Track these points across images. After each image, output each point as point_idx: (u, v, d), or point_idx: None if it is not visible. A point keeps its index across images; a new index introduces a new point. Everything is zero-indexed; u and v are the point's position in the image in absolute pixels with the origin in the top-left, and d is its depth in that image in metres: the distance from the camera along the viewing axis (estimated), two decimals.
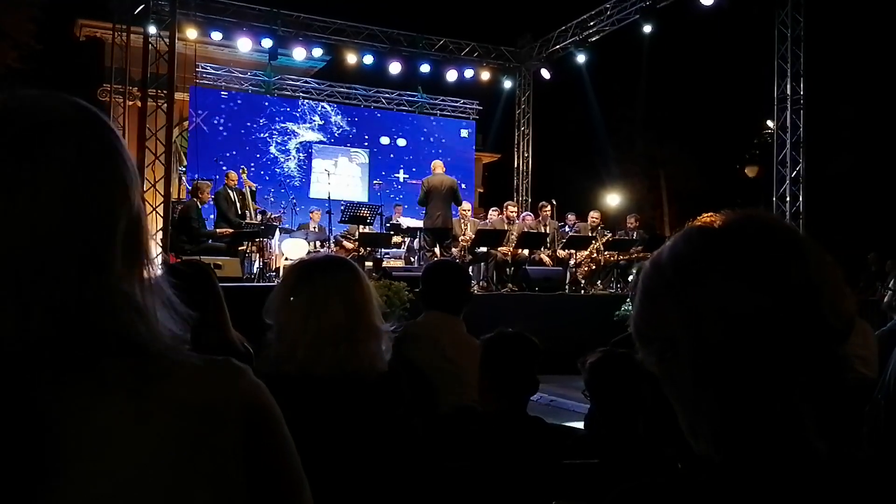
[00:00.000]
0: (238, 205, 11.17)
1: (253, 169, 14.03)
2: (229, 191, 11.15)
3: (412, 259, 12.25)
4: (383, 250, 12.36)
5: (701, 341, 0.82)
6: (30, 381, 0.77)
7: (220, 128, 16.84)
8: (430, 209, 11.15)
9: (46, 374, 0.78)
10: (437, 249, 11.22)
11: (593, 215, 12.84)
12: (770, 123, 14.67)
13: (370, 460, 1.82)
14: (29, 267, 0.78)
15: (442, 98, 19.26)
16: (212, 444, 0.83)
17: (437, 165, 11.58)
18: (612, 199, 26.89)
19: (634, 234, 12.63)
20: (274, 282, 10.30)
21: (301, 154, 17.71)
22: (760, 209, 0.90)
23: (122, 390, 0.80)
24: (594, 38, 15.82)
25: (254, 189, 11.98)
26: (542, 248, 11.90)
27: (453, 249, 11.78)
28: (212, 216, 11.63)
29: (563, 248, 11.90)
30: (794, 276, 0.81)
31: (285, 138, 17.58)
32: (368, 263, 11.39)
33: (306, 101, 18.02)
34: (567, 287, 11.46)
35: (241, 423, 0.85)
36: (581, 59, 15.93)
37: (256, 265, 11.03)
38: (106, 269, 0.83)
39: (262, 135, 17.29)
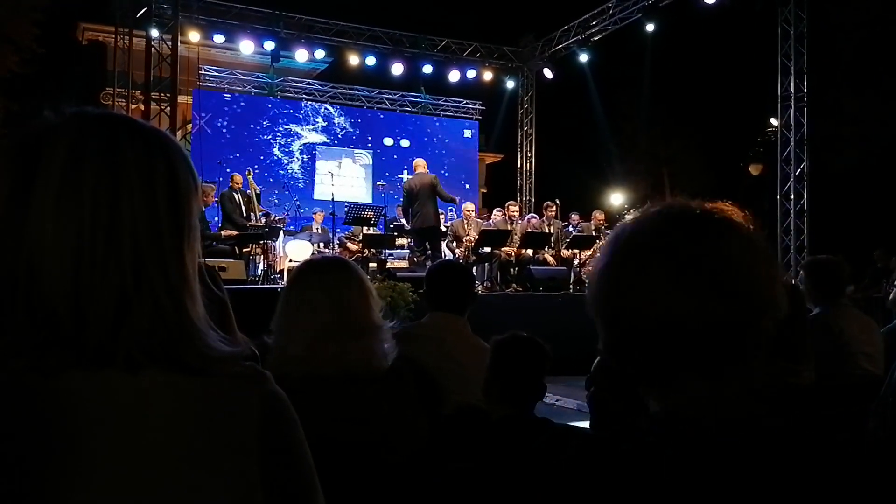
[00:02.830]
0: (243, 207, 11.15)
1: (257, 171, 14.08)
2: (234, 193, 11.14)
3: (416, 260, 12.24)
4: (387, 251, 12.36)
5: (631, 337, 0.89)
6: (69, 376, 0.81)
7: (224, 130, 16.88)
8: (412, 210, 11.09)
9: (88, 370, 0.82)
10: (429, 252, 11.12)
11: (597, 215, 12.81)
12: (774, 121, 14.63)
13: (369, 459, 1.82)
14: (91, 262, 0.82)
15: (445, 98, 19.27)
16: (232, 445, 0.86)
17: (419, 164, 11.43)
18: (616, 199, 26.86)
19: None
20: (278, 284, 10.30)
21: (304, 156, 17.75)
22: (676, 200, 0.96)
23: (156, 394, 0.84)
24: (597, 38, 15.83)
25: (258, 192, 11.97)
26: (546, 248, 11.89)
27: (457, 250, 11.77)
28: (216, 218, 11.63)
29: (567, 248, 11.88)
30: (708, 262, 0.86)
31: (288, 140, 17.62)
32: (372, 265, 11.38)
33: (309, 102, 18.06)
34: (571, 287, 11.44)
35: (258, 425, 0.88)
36: (584, 58, 15.94)
37: (261, 267, 11.04)
38: (164, 276, 0.86)
39: (265, 137, 17.33)
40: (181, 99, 14.01)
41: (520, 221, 12.21)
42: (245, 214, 11.12)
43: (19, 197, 0.82)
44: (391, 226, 12.96)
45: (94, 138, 0.85)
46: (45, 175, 0.82)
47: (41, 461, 0.78)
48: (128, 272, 0.83)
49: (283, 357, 1.87)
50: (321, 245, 12.15)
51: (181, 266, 0.88)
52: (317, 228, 12.79)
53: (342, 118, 18.31)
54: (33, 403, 0.80)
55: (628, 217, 0.95)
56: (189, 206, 0.90)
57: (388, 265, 11.46)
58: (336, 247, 12.08)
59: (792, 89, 13.35)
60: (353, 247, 12.14)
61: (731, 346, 0.86)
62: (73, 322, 0.81)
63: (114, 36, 14.67)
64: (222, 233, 10.78)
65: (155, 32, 12.79)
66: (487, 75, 17.72)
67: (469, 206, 12.37)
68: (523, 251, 11.57)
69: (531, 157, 18.59)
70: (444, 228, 12.00)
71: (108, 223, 0.83)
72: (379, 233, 12.15)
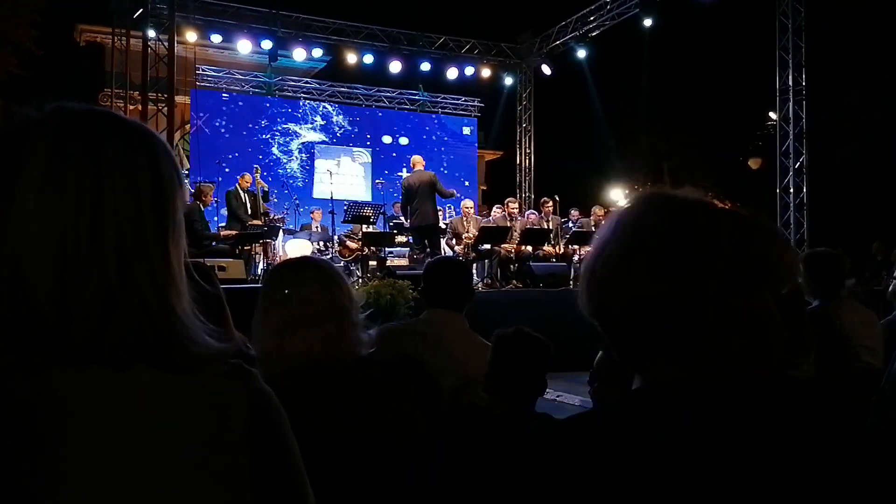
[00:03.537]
0: (248, 205, 11.18)
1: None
2: (240, 191, 11.18)
3: (416, 257, 12.23)
4: (387, 249, 12.35)
5: (609, 322, 0.91)
6: (54, 374, 0.80)
7: (222, 130, 16.87)
8: (410, 208, 11.08)
9: (73, 368, 0.81)
10: (428, 249, 11.11)
11: (597, 210, 12.81)
12: (773, 115, 14.63)
13: (362, 453, 1.81)
14: (75, 260, 0.81)
15: (443, 96, 19.26)
16: (219, 444, 0.85)
17: (416, 161, 11.40)
18: (616, 194, 26.83)
19: None
20: None
21: (303, 154, 17.74)
22: (657, 191, 0.96)
23: (143, 392, 0.83)
24: (594, 33, 15.83)
25: (266, 189, 11.94)
26: (546, 244, 11.89)
27: (457, 247, 11.76)
28: (215, 218, 11.63)
29: (566, 244, 11.88)
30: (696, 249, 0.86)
31: (287, 139, 17.61)
32: (372, 262, 11.38)
33: (307, 101, 18.05)
34: (571, 283, 11.43)
35: (246, 424, 0.87)
36: (582, 54, 15.95)
37: (261, 266, 11.03)
38: (149, 273, 0.85)
39: (263, 136, 17.32)
40: (179, 99, 14.02)
41: (519, 218, 12.21)
42: (250, 213, 11.14)
43: (2, 194, 0.81)
44: (390, 223, 12.96)
45: (76, 134, 0.84)
46: (27, 171, 0.81)
47: (25, 460, 0.77)
48: (112, 269, 0.82)
49: (259, 356, 1.88)
50: (321, 243, 12.15)
51: (166, 262, 0.87)
52: (316, 227, 12.79)
53: (340, 117, 18.30)
54: (17, 402, 0.79)
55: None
56: (173, 201, 0.89)
57: (388, 263, 11.46)
58: (336, 245, 12.07)
59: (790, 82, 13.35)
60: (352, 245, 12.14)
61: (685, 325, 0.85)
62: (58, 319, 0.80)
63: (111, 37, 14.66)
64: (221, 232, 10.78)
65: (152, 33, 12.78)
66: (486, 72, 17.71)
67: (468, 203, 12.36)
68: (523, 248, 11.57)
69: (530, 153, 18.59)
70: (443, 226, 11.98)
71: (92, 219, 0.82)
72: (378, 231, 12.14)
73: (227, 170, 13.34)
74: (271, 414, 0.91)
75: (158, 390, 0.83)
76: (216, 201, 11.51)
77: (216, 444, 0.85)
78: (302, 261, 2.13)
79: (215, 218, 11.65)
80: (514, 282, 11.17)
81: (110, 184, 0.83)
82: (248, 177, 11.39)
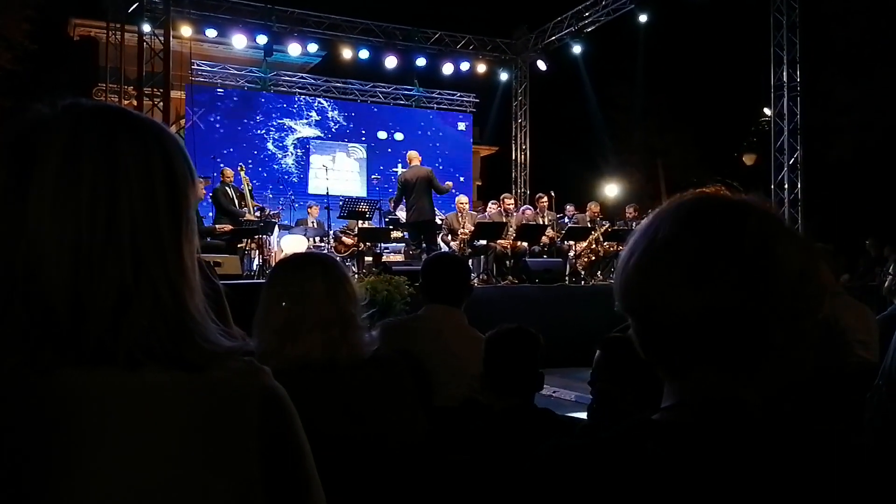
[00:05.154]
0: (237, 201, 11.15)
1: (251, 165, 14.00)
2: (226, 188, 11.14)
3: (411, 253, 12.22)
4: (383, 245, 12.34)
5: (655, 328, 0.87)
6: (66, 373, 0.80)
7: (217, 125, 16.83)
8: (407, 204, 11.08)
9: (85, 367, 0.80)
10: (424, 245, 11.10)
11: (592, 206, 12.84)
12: (767, 111, 14.64)
13: (366, 452, 1.82)
14: (89, 257, 0.81)
15: (438, 91, 19.24)
16: (232, 442, 0.85)
17: (413, 157, 11.42)
18: (611, 190, 26.86)
19: (633, 225, 12.61)
20: None
21: (299, 150, 17.71)
22: (709, 189, 0.93)
23: (155, 392, 0.82)
24: (590, 29, 15.82)
25: (251, 187, 11.94)
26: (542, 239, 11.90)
27: (452, 243, 11.76)
28: (210, 214, 11.61)
29: (562, 240, 11.90)
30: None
31: (282, 134, 17.57)
32: (368, 258, 11.37)
33: (303, 96, 18.01)
34: (567, 278, 11.46)
35: (258, 422, 0.87)
36: (577, 49, 15.93)
37: (256, 262, 11.02)
38: (163, 270, 0.85)
39: (259, 131, 17.28)
40: (174, 94, 13.96)
41: (515, 214, 12.21)
42: (238, 209, 11.11)
43: (16, 192, 0.80)
44: (386, 219, 12.95)
45: (90, 131, 0.83)
46: (41, 169, 0.81)
47: (37, 461, 0.77)
48: (127, 266, 0.82)
49: (259, 354, 1.88)
50: (316, 239, 12.13)
51: (180, 259, 0.87)
52: (312, 223, 12.77)
53: (336, 112, 18.26)
54: (29, 401, 0.78)
55: (661, 206, 0.92)
56: (186, 198, 0.89)
57: (384, 259, 11.45)
58: (331, 241, 12.06)
59: (785, 79, 13.36)
60: (348, 241, 12.12)
61: (753, 340, 0.83)
62: (71, 318, 0.80)
63: (105, 31, 14.59)
64: (217, 227, 10.75)
65: (147, 27, 12.73)
66: (481, 68, 17.69)
67: (462, 199, 12.34)
68: (518, 243, 11.57)
69: (525, 149, 18.57)
70: (438, 221, 11.98)
71: (107, 217, 0.81)
72: (374, 226, 12.12)
73: (221, 165, 13.29)
74: (283, 412, 0.90)
75: (170, 389, 0.83)
76: (210, 197, 11.49)
77: (228, 442, 0.85)
78: (308, 258, 2.10)
79: (210, 214, 11.63)
80: (510, 278, 11.18)
81: (125, 181, 0.83)
82: (228, 171, 11.37)
